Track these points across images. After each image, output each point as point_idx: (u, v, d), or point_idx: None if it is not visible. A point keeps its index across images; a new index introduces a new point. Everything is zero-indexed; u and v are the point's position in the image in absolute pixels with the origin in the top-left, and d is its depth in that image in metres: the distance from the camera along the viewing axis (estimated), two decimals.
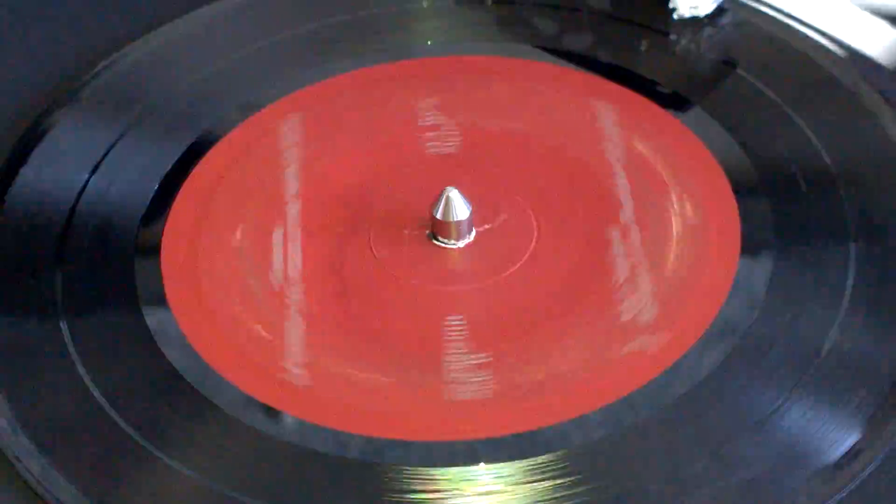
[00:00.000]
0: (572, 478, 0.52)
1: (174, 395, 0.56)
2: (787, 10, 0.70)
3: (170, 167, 0.65)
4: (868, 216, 0.61)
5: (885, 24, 0.65)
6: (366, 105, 0.68)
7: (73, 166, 0.65)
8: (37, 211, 0.63)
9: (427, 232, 0.61)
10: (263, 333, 0.58)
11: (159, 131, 0.67)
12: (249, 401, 0.56)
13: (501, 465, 0.53)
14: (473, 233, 0.61)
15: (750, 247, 0.60)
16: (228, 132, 0.67)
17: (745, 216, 0.61)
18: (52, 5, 0.75)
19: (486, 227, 0.61)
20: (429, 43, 0.72)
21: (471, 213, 0.60)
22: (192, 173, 0.65)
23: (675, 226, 0.61)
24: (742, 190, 0.62)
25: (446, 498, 0.52)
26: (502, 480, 0.53)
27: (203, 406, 0.55)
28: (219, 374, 0.57)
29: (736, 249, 0.60)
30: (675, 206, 0.62)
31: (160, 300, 0.60)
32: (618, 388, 0.55)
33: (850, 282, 0.58)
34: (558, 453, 0.53)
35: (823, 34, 0.69)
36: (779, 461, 0.52)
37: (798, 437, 0.53)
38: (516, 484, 0.53)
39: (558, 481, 0.52)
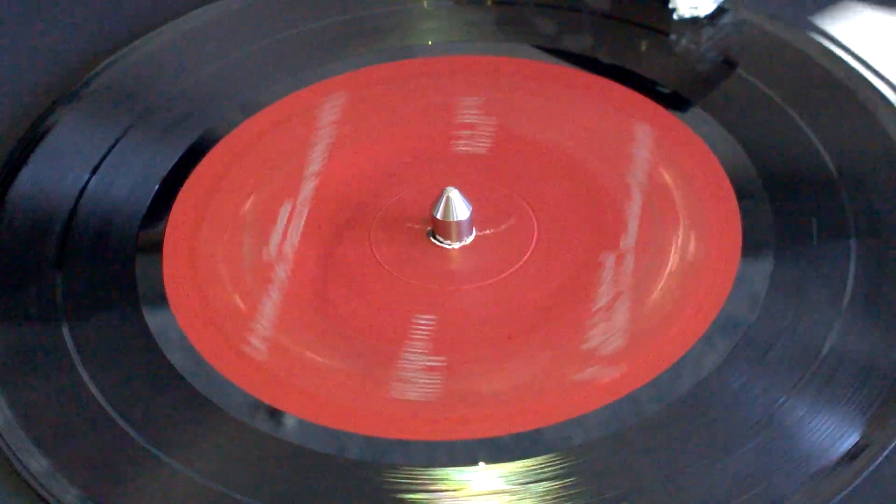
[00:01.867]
0: (572, 478, 0.52)
1: (175, 396, 0.56)
2: (786, 9, 0.71)
3: (170, 167, 0.65)
4: (868, 215, 0.61)
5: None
6: (366, 105, 0.68)
7: (73, 166, 0.65)
8: (37, 211, 0.63)
9: (427, 231, 0.61)
10: (264, 334, 0.58)
11: (160, 131, 0.67)
12: (250, 401, 0.56)
13: (501, 465, 0.53)
14: (473, 233, 0.61)
15: (750, 246, 0.60)
16: (228, 132, 0.67)
17: (746, 215, 0.61)
18: (53, 5, 0.75)
19: (488, 231, 0.61)
20: (429, 43, 0.72)
21: (471, 214, 0.60)
22: (192, 173, 0.65)
23: (676, 225, 0.61)
24: (743, 190, 0.62)
25: (446, 498, 0.52)
26: (502, 480, 0.53)
27: (204, 406, 0.55)
28: (220, 375, 0.57)
29: (737, 249, 0.60)
30: (676, 205, 0.62)
31: (161, 300, 0.60)
32: (617, 389, 0.55)
33: (850, 281, 0.58)
34: (558, 453, 0.53)
35: (823, 33, 0.69)
36: (779, 460, 0.52)
37: (798, 436, 0.53)
38: (516, 484, 0.53)
39: (558, 482, 0.52)
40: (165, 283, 0.60)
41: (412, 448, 0.54)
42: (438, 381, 0.56)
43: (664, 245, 0.61)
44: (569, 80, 0.69)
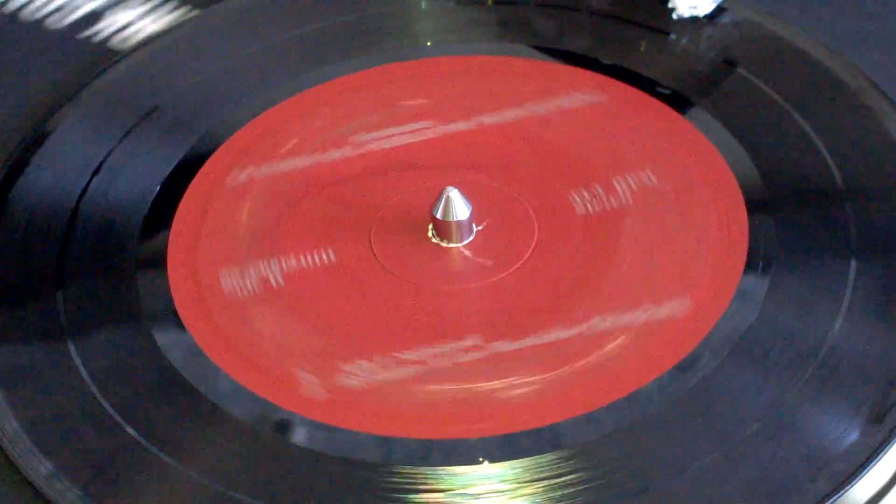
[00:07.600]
0: (575, 476, 0.53)
1: (178, 398, 0.56)
2: (786, 8, 0.71)
3: (171, 170, 0.65)
4: (869, 214, 0.61)
5: None
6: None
7: (74, 169, 0.65)
8: (38, 214, 0.63)
9: (427, 232, 0.61)
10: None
11: (161, 134, 0.67)
12: (254, 403, 0.56)
13: (502, 463, 0.53)
14: (474, 233, 0.61)
15: (753, 245, 0.60)
16: (230, 134, 0.67)
17: (749, 216, 0.61)
18: (55, 7, 0.75)
19: (469, 254, 0.62)
20: (429, 44, 0.72)
21: (471, 213, 0.60)
22: (195, 176, 0.65)
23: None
24: (744, 187, 0.62)
25: (446, 498, 0.52)
26: (503, 480, 0.53)
27: (207, 409, 0.55)
28: (223, 377, 0.57)
29: (739, 248, 0.60)
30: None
31: (163, 302, 0.60)
32: (619, 388, 0.55)
33: (850, 280, 0.58)
34: (560, 452, 0.53)
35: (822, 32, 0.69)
36: (780, 460, 0.52)
37: (799, 435, 0.53)
38: (517, 482, 0.53)
39: (560, 480, 0.53)
40: (168, 284, 0.60)
41: (412, 448, 0.54)
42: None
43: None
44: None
